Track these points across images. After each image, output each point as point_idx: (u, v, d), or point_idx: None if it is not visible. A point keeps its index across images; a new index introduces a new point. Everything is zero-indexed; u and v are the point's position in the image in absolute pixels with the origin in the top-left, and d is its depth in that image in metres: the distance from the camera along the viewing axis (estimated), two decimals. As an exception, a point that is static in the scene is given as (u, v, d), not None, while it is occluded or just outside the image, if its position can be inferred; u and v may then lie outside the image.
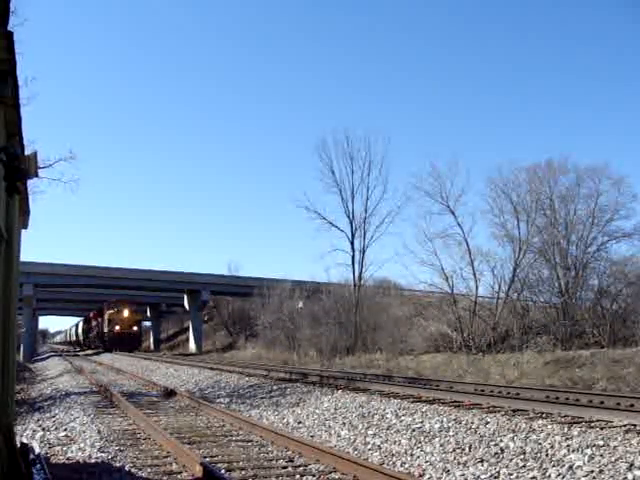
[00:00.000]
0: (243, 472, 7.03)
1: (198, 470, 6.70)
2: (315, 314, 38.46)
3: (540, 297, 32.44)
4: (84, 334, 77.75)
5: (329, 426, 9.76)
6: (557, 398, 11.32)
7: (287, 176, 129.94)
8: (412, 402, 10.72)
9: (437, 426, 8.55)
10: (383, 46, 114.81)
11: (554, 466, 6.27)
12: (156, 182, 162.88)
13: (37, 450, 8.15)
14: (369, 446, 8.27)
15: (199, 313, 61.06)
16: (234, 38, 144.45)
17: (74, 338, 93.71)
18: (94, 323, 67.51)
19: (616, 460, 6.09)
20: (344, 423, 9.78)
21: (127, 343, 54.98)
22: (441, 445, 7.69)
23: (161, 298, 74.64)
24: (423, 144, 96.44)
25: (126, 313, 57.21)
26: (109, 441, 8.99)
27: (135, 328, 57.99)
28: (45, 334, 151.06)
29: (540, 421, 8.23)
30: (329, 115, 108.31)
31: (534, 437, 7.31)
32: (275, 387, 14.54)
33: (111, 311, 57.64)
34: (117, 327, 56.16)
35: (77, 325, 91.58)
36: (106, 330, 57.40)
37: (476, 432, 7.97)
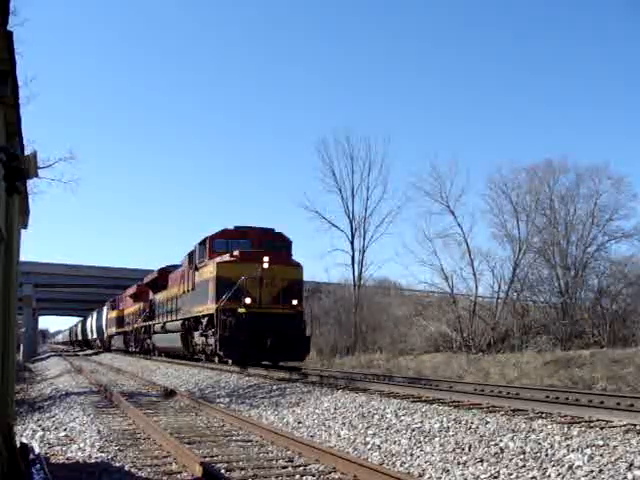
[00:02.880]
0: (243, 472, 7.03)
1: (198, 470, 6.71)
2: (315, 314, 38.51)
3: (540, 297, 32.50)
4: (113, 327, 47.58)
5: (329, 426, 9.76)
6: (557, 398, 11.32)
7: (287, 176, 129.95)
8: (412, 402, 10.71)
9: (437, 426, 8.55)
10: (383, 46, 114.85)
11: (554, 466, 6.27)
12: (156, 182, 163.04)
13: (37, 450, 8.16)
14: (369, 446, 8.28)
15: (199, 313, 60.08)
16: (234, 38, 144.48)
17: (90, 335, 63.20)
18: (147, 301, 34.38)
19: (616, 460, 6.09)
20: (344, 423, 9.78)
21: (279, 345, 19.45)
22: (441, 445, 7.69)
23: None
24: (423, 144, 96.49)
25: (266, 263, 19.80)
26: (109, 441, 8.99)
27: (295, 302, 20.33)
28: (45, 334, 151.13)
29: (540, 421, 8.23)
30: (329, 115, 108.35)
31: (534, 437, 7.31)
32: (275, 387, 14.55)
33: (223, 259, 20.68)
34: (248, 300, 19.71)
35: (94, 316, 59.93)
36: (208, 310, 20.93)
37: (476, 432, 7.97)
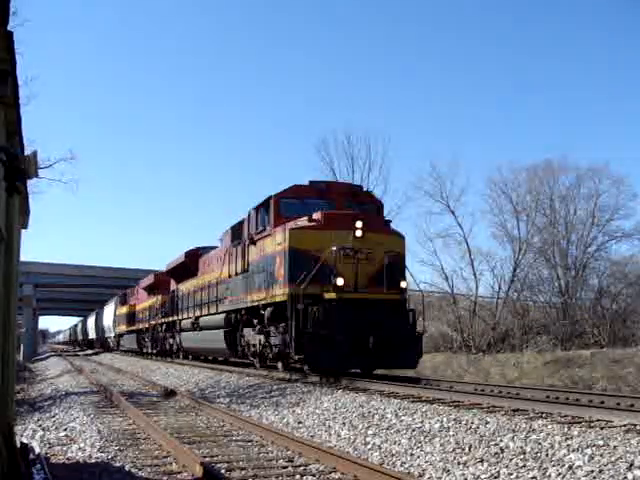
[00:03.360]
0: (243, 472, 7.03)
1: (198, 470, 6.71)
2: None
3: (540, 297, 32.56)
4: (122, 325, 41.82)
5: (329, 426, 9.76)
6: (557, 398, 11.31)
7: (288, 176, 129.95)
8: (412, 402, 10.71)
9: (437, 426, 8.54)
10: (383, 46, 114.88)
11: (554, 466, 6.26)
12: (157, 182, 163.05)
13: (37, 450, 8.16)
14: (369, 446, 8.27)
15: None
16: (234, 37, 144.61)
17: (91, 335, 60.48)
18: (167, 293, 29.25)
19: (616, 460, 6.08)
20: (344, 423, 9.77)
21: (384, 346, 13.89)
22: (441, 445, 7.68)
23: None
24: (423, 144, 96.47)
25: (360, 230, 14.27)
26: (109, 441, 8.99)
27: (404, 284, 14.87)
28: (45, 334, 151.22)
29: (540, 421, 8.22)
30: (329, 115, 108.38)
31: (534, 437, 7.31)
32: (275, 387, 14.54)
33: (299, 225, 14.71)
34: (340, 281, 13.96)
35: (95, 315, 56.73)
36: (274, 296, 15.04)
37: (476, 432, 7.96)
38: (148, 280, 35.00)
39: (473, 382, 15.80)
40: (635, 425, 7.80)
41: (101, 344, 54.90)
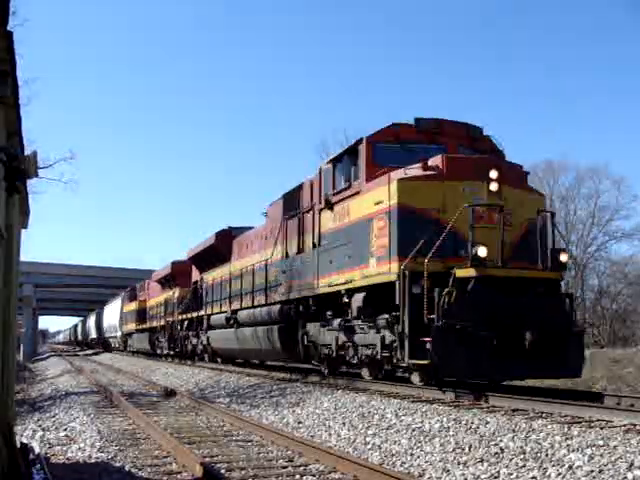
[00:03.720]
0: (243, 472, 7.02)
1: (198, 470, 6.71)
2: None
3: (540, 297, 32.49)
4: (131, 323, 37.65)
5: (329, 426, 9.76)
6: (557, 398, 11.30)
7: (288, 176, 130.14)
8: (412, 402, 10.70)
9: (437, 426, 8.54)
10: (383, 46, 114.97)
11: (554, 466, 6.26)
12: (157, 182, 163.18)
13: (37, 450, 8.16)
14: (369, 446, 8.27)
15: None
16: (233, 38, 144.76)
17: (92, 335, 58.40)
18: (187, 285, 25.70)
19: (616, 460, 6.08)
20: (344, 423, 9.77)
21: (542, 345, 9.79)
22: (441, 445, 7.68)
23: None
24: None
25: (495, 182, 10.16)
26: (109, 441, 8.99)
27: (563, 257, 10.86)
28: (45, 334, 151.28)
29: (540, 421, 8.22)
30: (329, 115, 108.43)
31: (534, 437, 7.31)
32: (275, 387, 14.54)
33: (410, 174, 10.46)
34: (482, 251, 9.61)
35: (96, 314, 55.03)
36: (371, 277, 11.02)
37: (476, 432, 7.96)
38: (163, 271, 30.62)
39: (473, 382, 15.77)
40: (635, 425, 7.80)
41: (102, 344, 54.53)
